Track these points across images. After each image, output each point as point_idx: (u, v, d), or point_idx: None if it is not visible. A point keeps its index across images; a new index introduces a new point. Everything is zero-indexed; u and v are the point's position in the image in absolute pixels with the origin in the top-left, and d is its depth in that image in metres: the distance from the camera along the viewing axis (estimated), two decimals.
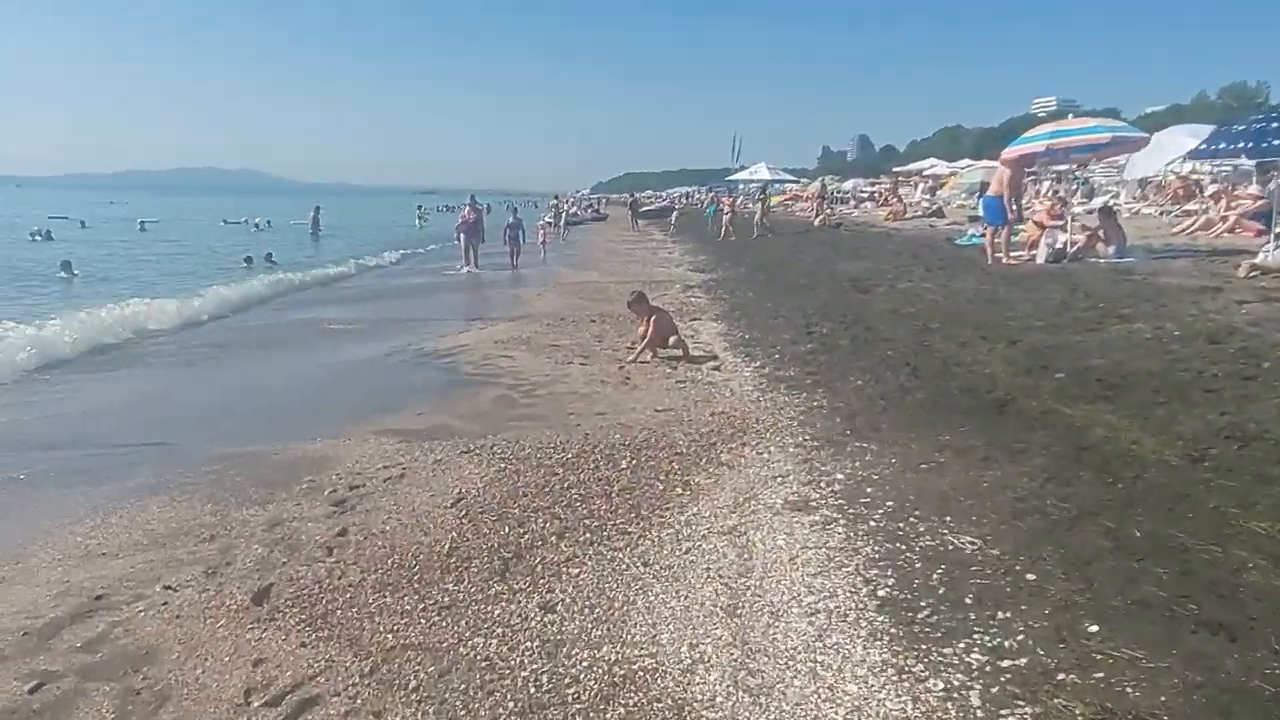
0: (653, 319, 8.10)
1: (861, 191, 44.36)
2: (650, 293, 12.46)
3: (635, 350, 8.16)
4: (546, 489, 4.62)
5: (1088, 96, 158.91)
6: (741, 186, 39.84)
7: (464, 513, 4.28)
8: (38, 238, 29.42)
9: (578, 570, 3.66)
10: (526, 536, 4.01)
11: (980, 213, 21.63)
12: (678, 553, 3.80)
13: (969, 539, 3.55)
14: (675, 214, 35.91)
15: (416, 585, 3.52)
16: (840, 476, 4.53)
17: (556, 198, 60.39)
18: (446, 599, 3.39)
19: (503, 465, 5.01)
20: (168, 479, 5.00)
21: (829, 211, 29.31)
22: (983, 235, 16.96)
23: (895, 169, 52.41)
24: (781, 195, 48.89)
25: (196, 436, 6.19)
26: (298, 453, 5.49)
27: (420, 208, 49.76)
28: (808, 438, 5.32)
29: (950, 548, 3.47)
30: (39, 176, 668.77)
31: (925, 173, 41.02)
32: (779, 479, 4.62)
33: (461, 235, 19.82)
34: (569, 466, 4.97)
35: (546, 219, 38.02)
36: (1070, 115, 13.86)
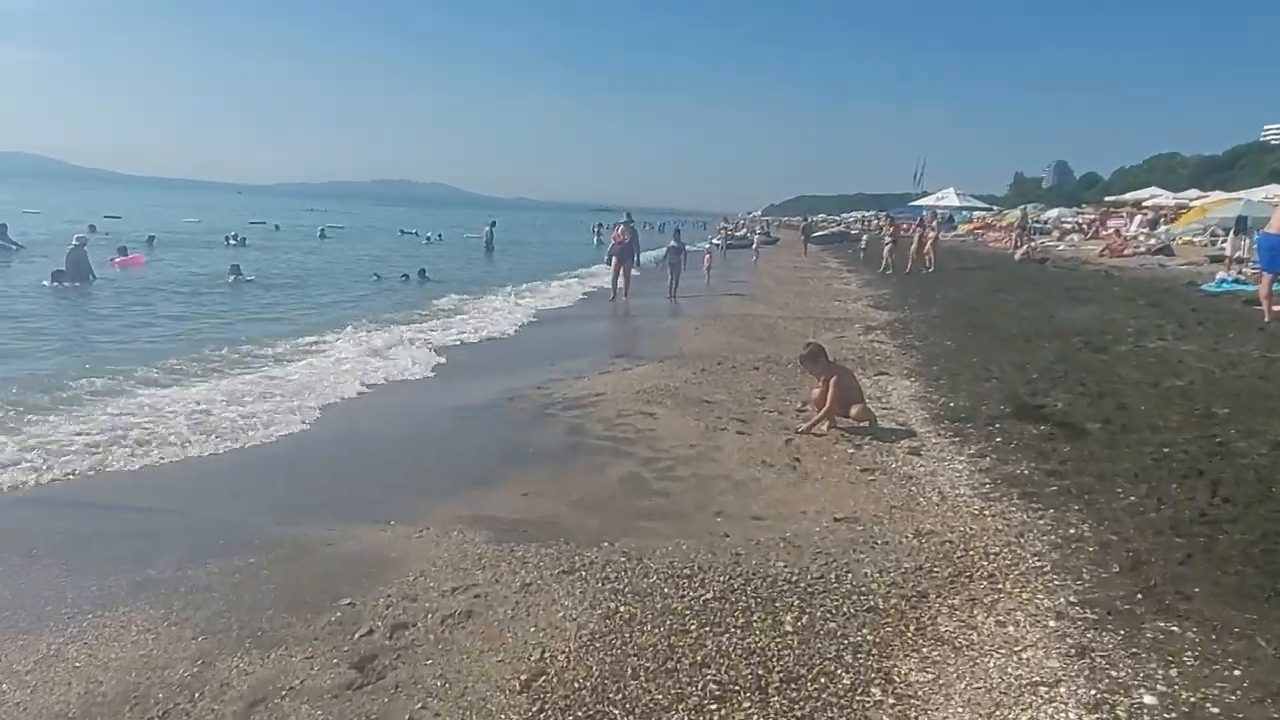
0: (832, 380, 6.27)
1: (1065, 222, 40.08)
2: (825, 333, 10.60)
3: (809, 419, 6.39)
4: (669, 663, 3.04)
5: None
6: (925, 213, 36.88)
7: (537, 706, 2.77)
8: (232, 242, 30.82)
9: None
10: None
11: (1231, 252, 18.41)
12: None
13: None
14: (865, 238, 32.90)
15: None
16: (1150, 700, 2.72)
17: (725, 220, 58.76)
18: None
19: (612, 605, 3.47)
20: (180, 577, 3.81)
21: (1032, 244, 26.14)
22: (1239, 280, 14.16)
23: (1107, 199, 47.40)
24: (970, 224, 45.37)
25: (259, 504, 5.11)
26: (357, 546, 4.19)
27: (599, 225, 49.76)
28: (1072, 599, 3.49)
29: None
30: (258, 184, 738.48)
31: (1145, 203, 36.51)
32: (1043, 688, 2.85)
33: (613, 259, 17.93)
34: (707, 619, 3.36)
35: (714, 241, 36.68)
36: None
